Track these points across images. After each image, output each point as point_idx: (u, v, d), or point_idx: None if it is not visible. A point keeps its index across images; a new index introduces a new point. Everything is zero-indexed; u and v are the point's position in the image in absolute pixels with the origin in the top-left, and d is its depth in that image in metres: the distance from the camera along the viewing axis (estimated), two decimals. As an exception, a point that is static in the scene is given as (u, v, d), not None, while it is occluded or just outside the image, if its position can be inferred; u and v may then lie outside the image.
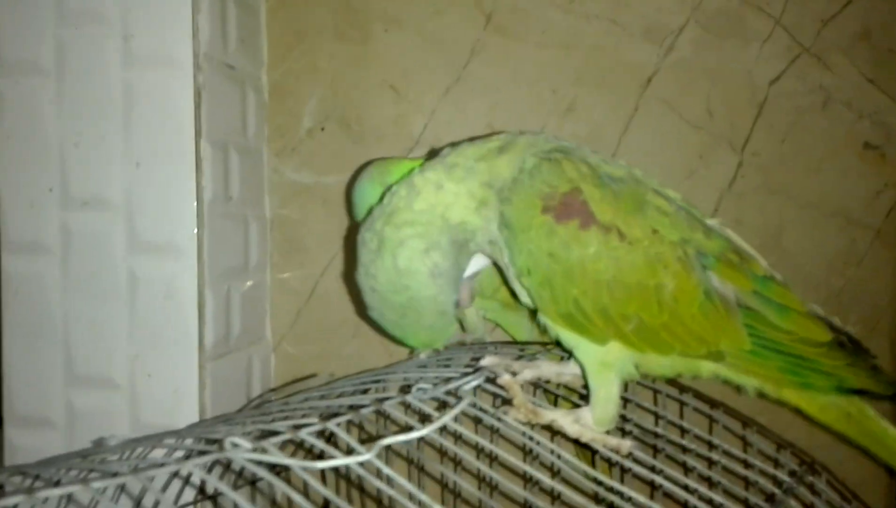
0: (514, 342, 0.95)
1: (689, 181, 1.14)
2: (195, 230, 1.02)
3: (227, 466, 0.91)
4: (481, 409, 0.62)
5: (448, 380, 0.68)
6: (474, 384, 0.64)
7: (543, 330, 0.74)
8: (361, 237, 0.75)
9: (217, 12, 1.06)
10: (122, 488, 0.74)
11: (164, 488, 0.80)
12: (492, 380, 0.69)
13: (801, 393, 0.74)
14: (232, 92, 1.12)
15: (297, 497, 0.49)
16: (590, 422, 0.70)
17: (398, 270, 0.71)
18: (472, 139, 0.76)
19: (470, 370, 0.71)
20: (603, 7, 1.14)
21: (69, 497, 0.67)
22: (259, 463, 0.53)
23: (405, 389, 0.66)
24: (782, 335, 0.70)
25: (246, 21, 1.14)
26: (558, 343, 0.75)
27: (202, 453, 0.53)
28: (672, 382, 0.79)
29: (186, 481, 0.83)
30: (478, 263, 0.78)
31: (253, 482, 0.98)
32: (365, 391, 0.75)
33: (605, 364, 0.71)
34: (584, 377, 0.73)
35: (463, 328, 1.02)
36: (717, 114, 1.13)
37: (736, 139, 1.13)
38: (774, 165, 1.12)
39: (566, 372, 0.77)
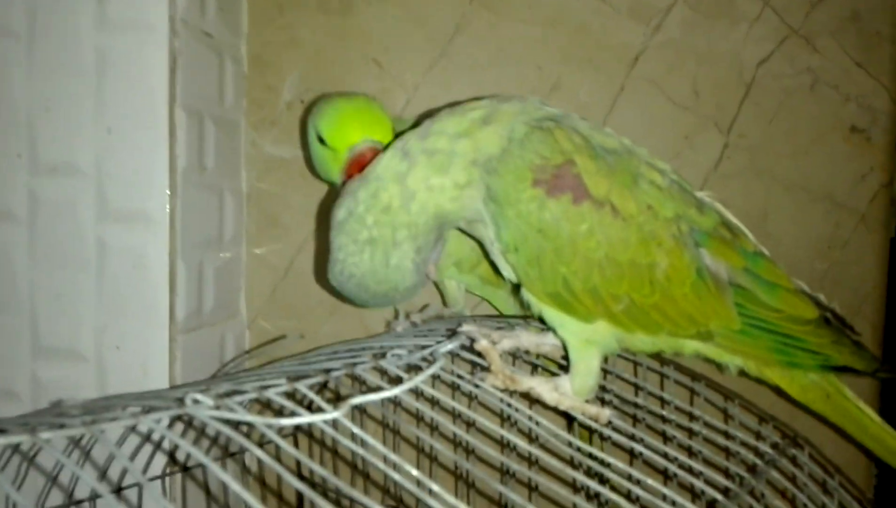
0: (495, 316, 0.93)
1: (675, 162, 1.11)
2: (167, 199, 0.99)
3: (201, 432, 0.89)
4: (458, 375, 0.60)
5: (424, 348, 0.66)
6: (449, 347, 0.61)
7: (526, 306, 0.72)
8: (343, 221, 0.69)
9: (195, -24, 1.03)
10: (86, 453, 0.71)
11: (133, 456, 0.77)
12: (469, 347, 0.67)
13: (783, 372, 0.72)
14: (209, 60, 1.09)
15: (265, 458, 0.47)
16: (569, 391, 0.68)
17: (388, 266, 0.68)
18: (452, 106, 0.73)
19: (447, 338, 0.69)
20: (590, -17, 1.12)
21: (27, 458, 0.64)
22: (222, 422, 0.50)
23: (380, 356, 0.64)
24: (771, 314, 0.68)
25: (224, -11, 1.12)
26: (541, 319, 0.72)
27: (162, 410, 0.50)
28: (653, 355, 0.78)
29: (157, 447, 0.80)
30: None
31: (228, 451, 0.96)
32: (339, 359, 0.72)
33: (589, 342, 0.69)
34: (565, 349, 0.71)
35: (444, 301, 1.00)
36: (704, 95, 1.11)
37: (722, 120, 1.11)
38: (760, 147, 1.11)
39: (546, 342, 0.75)
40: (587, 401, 0.67)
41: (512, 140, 0.65)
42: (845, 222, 1.10)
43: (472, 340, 0.68)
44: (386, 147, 0.73)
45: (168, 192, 0.99)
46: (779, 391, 0.76)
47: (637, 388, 0.74)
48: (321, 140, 0.84)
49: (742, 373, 0.75)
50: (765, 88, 1.10)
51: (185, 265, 1.02)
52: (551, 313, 0.69)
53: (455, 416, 0.90)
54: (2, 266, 1.02)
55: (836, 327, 0.72)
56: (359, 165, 0.78)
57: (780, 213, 1.11)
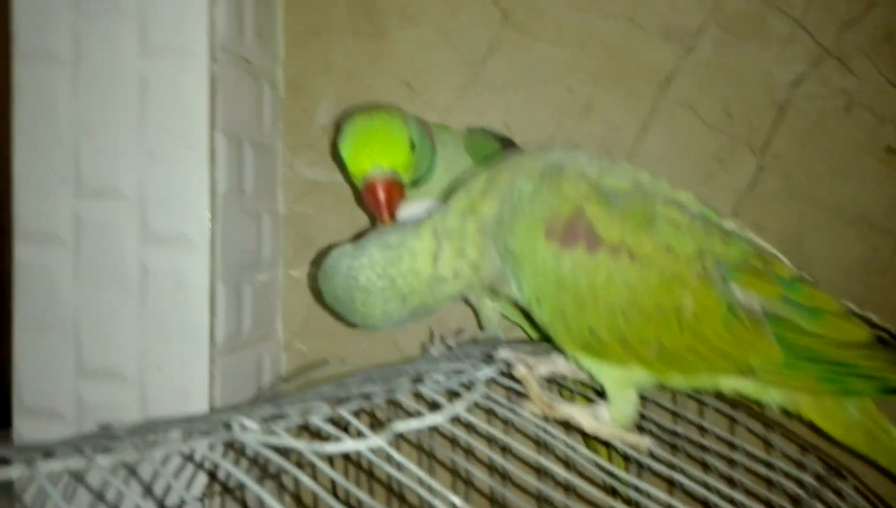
0: (530, 341, 0.93)
1: (708, 185, 1.12)
2: (208, 223, 1.01)
3: (241, 452, 0.90)
4: (495, 401, 0.61)
5: (461, 372, 0.67)
6: (488, 373, 0.62)
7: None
8: (366, 266, 0.69)
9: (234, 4, 1.05)
10: (132, 472, 0.73)
11: (175, 475, 0.78)
12: (506, 373, 0.68)
13: (827, 410, 0.69)
14: (247, 85, 1.11)
15: (307, 481, 0.48)
16: (607, 419, 0.68)
17: (398, 310, 0.70)
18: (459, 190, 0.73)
19: (483, 363, 0.70)
20: (620, 6, 1.13)
21: (77, 478, 0.66)
22: (268, 447, 0.52)
23: (418, 380, 0.65)
24: (817, 341, 0.65)
25: (262, 15, 1.14)
26: None
27: (208, 434, 0.52)
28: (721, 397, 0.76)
29: (199, 467, 0.82)
30: None
31: (267, 471, 0.97)
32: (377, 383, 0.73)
33: (626, 382, 0.69)
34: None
35: (479, 324, 1.00)
36: (737, 116, 1.11)
37: (756, 142, 1.11)
38: (795, 169, 1.10)
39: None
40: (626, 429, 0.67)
41: (522, 197, 0.65)
42: (883, 246, 1.09)
43: (509, 365, 0.68)
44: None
45: (209, 215, 1.01)
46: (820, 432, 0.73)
47: (676, 416, 0.74)
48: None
49: (784, 411, 0.72)
50: (798, 109, 1.10)
51: (224, 288, 1.04)
52: (585, 360, 0.68)
53: (491, 441, 0.90)
54: (47, 288, 1.05)
55: (893, 346, 0.67)
56: (373, 195, 0.81)
57: (816, 236, 1.10)
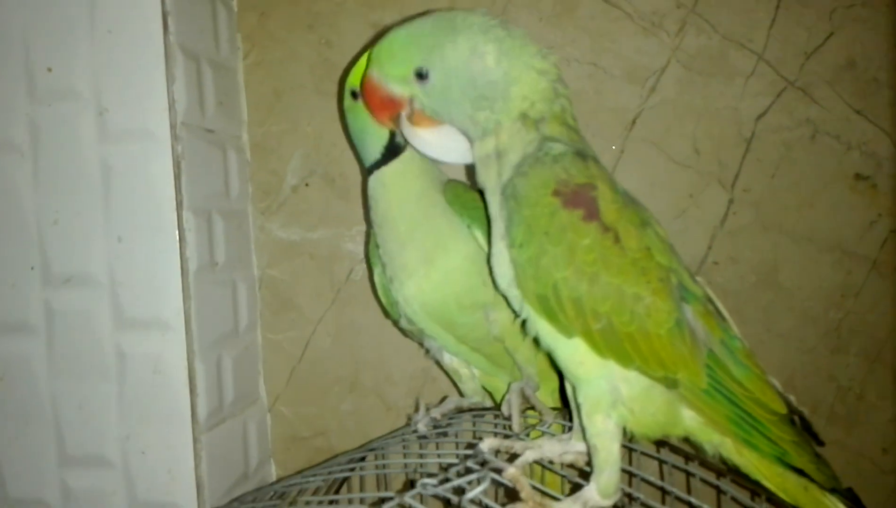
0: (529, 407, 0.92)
1: (681, 220, 1.13)
2: (181, 303, 1.00)
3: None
4: (486, 506, 0.61)
5: (449, 469, 0.66)
6: (478, 491, 0.61)
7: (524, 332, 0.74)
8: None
9: (193, 79, 1.04)
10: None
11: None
12: (496, 469, 0.67)
13: (758, 458, 0.73)
14: (212, 155, 1.10)
15: None
16: (597, 499, 0.68)
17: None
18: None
19: (470, 454, 0.70)
20: (583, 51, 1.12)
21: None
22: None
23: (408, 485, 0.64)
24: (738, 388, 0.70)
25: (223, 83, 1.13)
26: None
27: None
28: (676, 450, 0.77)
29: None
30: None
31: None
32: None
33: (588, 384, 0.70)
34: (581, 424, 0.71)
35: (460, 392, 1.00)
36: (705, 152, 1.12)
37: (725, 176, 1.12)
38: (766, 200, 1.11)
39: (569, 451, 0.75)
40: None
41: (548, 152, 0.69)
42: (857, 270, 1.10)
43: (499, 471, 0.67)
44: None
45: (182, 295, 1.00)
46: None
47: (664, 492, 0.74)
48: (354, 95, 0.86)
49: (722, 460, 0.75)
50: (765, 141, 1.10)
51: (203, 365, 1.03)
52: (542, 327, 0.71)
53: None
54: (23, 378, 1.04)
55: (799, 430, 0.72)
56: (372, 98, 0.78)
57: (791, 265, 1.11)
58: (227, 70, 1.15)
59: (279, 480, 1.10)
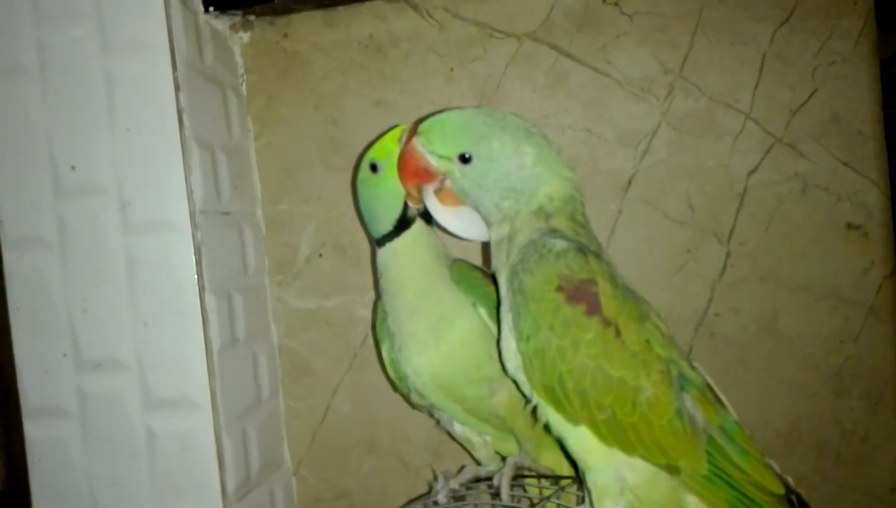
0: (529, 476, 0.97)
1: (681, 275, 1.17)
2: (207, 381, 1.05)
3: None
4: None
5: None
6: None
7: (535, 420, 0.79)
8: None
9: (209, 167, 1.10)
10: None
11: None
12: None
13: None
14: (230, 236, 1.16)
15: None
16: None
17: None
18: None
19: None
20: (576, 118, 1.17)
21: None
22: None
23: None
24: (738, 473, 0.73)
25: (237, 166, 1.19)
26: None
27: None
28: None
29: None
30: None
31: None
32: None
33: (596, 472, 0.74)
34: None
35: (474, 460, 1.04)
36: (700, 208, 1.16)
37: (721, 231, 1.16)
38: (761, 252, 1.15)
39: None
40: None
41: (551, 250, 0.74)
42: (854, 316, 1.13)
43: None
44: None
45: (206, 374, 1.05)
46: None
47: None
48: (374, 168, 0.92)
49: None
50: (757, 196, 1.15)
51: (230, 439, 1.08)
52: (551, 415, 0.76)
53: None
54: (58, 460, 1.09)
55: None
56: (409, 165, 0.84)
57: (789, 314, 1.15)
58: (240, 153, 1.21)
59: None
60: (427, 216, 0.92)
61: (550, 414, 0.75)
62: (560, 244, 0.74)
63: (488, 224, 0.82)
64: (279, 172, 1.24)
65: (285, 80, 1.23)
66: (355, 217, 1.23)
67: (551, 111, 1.18)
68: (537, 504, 0.84)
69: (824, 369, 1.15)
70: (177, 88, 1.03)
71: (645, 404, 0.71)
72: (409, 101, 1.21)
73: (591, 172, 1.17)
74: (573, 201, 0.80)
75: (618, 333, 0.71)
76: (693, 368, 0.78)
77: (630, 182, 1.17)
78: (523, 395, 0.80)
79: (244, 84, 1.24)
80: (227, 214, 1.15)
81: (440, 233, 0.95)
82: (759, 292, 1.15)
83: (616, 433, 0.72)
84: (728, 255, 1.16)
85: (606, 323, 0.71)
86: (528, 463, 0.94)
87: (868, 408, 1.14)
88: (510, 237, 0.78)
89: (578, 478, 0.86)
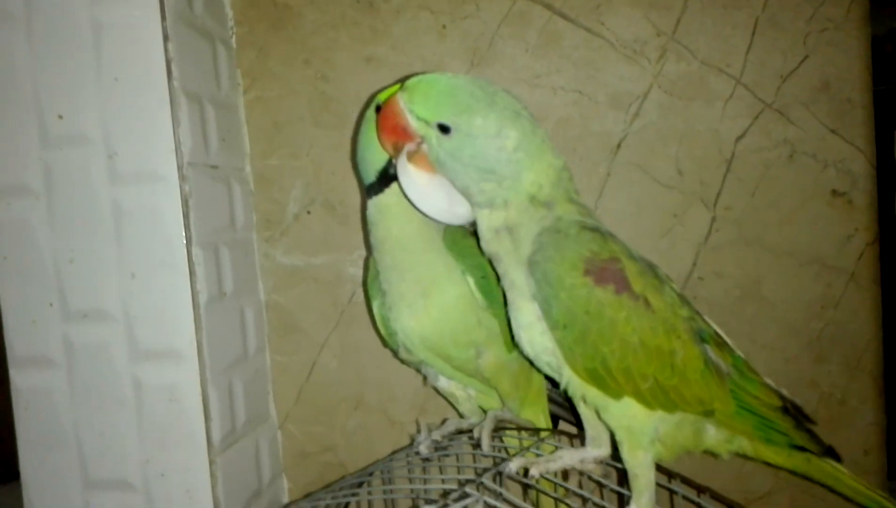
0: (512, 428, 0.98)
1: (667, 239, 1.18)
2: (193, 333, 1.06)
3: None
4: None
5: (448, 494, 0.72)
6: None
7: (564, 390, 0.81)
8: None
9: (197, 119, 1.09)
10: None
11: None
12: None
13: (770, 448, 0.86)
14: (218, 190, 1.15)
15: None
16: None
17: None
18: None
19: (469, 479, 0.76)
20: (568, 79, 1.17)
21: None
22: None
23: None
24: (753, 400, 0.81)
25: (225, 119, 1.18)
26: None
27: None
28: (688, 481, 0.86)
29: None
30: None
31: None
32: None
33: (634, 433, 0.78)
34: (622, 456, 0.80)
35: (458, 413, 1.06)
36: (688, 173, 1.17)
37: (708, 196, 1.17)
38: (747, 218, 1.16)
39: (586, 458, 0.84)
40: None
41: (567, 235, 0.75)
42: (836, 282, 1.15)
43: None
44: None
45: (193, 326, 1.06)
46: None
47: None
48: (378, 109, 0.86)
49: (738, 454, 0.87)
50: (745, 161, 1.15)
51: (216, 391, 1.09)
52: (591, 392, 0.78)
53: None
54: (46, 409, 1.09)
55: (794, 415, 0.84)
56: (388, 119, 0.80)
57: (773, 279, 1.16)
58: (229, 106, 1.20)
59: (290, 503, 1.16)
60: None
61: (590, 392, 0.77)
62: (574, 228, 0.75)
63: (470, 204, 0.80)
64: (268, 126, 1.24)
65: (275, 33, 1.22)
66: (345, 175, 1.23)
67: (543, 71, 1.18)
68: (515, 454, 0.86)
69: (805, 334, 1.17)
70: (165, 38, 1.02)
71: (681, 364, 0.76)
72: (401, 57, 1.20)
73: (582, 134, 1.18)
74: (562, 182, 0.79)
75: (647, 304, 0.74)
76: (704, 320, 0.83)
77: (619, 145, 1.17)
78: (532, 366, 0.82)
79: (233, 36, 1.23)
80: (214, 167, 1.14)
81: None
82: (744, 256, 1.17)
83: (659, 397, 0.76)
84: (714, 219, 1.17)
85: (636, 298, 0.74)
86: (508, 417, 0.96)
87: (846, 373, 1.16)
88: (509, 229, 0.77)
89: (557, 430, 0.89)
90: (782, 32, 1.14)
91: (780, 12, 1.14)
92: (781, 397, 0.84)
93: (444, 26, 1.18)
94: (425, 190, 0.80)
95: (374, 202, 0.92)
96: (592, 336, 0.73)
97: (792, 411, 0.84)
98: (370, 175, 0.91)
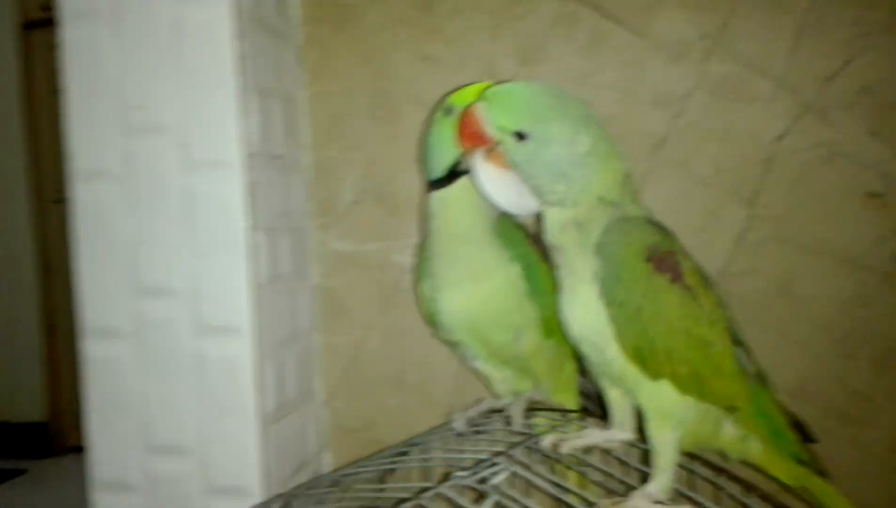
0: (543, 409, 1.05)
1: (703, 234, 1.22)
2: (251, 311, 1.13)
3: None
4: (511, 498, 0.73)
5: (480, 463, 0.79)
6: (501, 478, 0.75)
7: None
8: None
9: (264, 113, 1.17)
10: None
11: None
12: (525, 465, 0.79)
13: (777, 455, 0.91)
14: (279, 178, 1.23)
15: None
16: (658, 494, 0.81)
17: None
18: None
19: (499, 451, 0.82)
20: (614, 79, 1.22)
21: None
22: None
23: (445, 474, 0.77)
24: (769, 404, 0.88)
25: (289, 114, 1.26)
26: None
27: None
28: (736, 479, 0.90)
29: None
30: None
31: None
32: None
33: (663, 414, 0.84)
34: (648, 434, 0.85)
35: (494, 396, 1.12)
36: (727, 172, 1.21)
37: (745, 194, 1.20)
38: (783, 217, 1.19)
39: (612, 438, 0.90)
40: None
41: (634, 225, 0.82)
42: (868, 282, 1.18)
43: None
44: None
45: (251, 304, 1.13)
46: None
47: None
48: (448, 111, 0.95)
49: (744, 462, 0.92)
50: (783, 162, 1.19)
51: (270, 366, 1.17)
52: (632, 374, 0.84)
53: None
54: (114, 376, 1.18)
55: (800, 432, 0.91)
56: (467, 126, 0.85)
57: (806, 277, 1.19)
58: (292, 100, 1.28)
59: (334, 470, 1.23)
60: None
61: (629, 370, 0.83)
62: (640, 221, 0.83)
63: (539, 200, 0.85)
64: (328, 120, 1.31)
65: (338, 32, 1.29)
66: (396, 167, 1.30)
67: (589, 71, 1.23)
68: (544, 432, 0.92)
69: (836, 331, 1.20)
70: (239, 37, 1.10)
71: (717, 357, 0.82)
72: (454, 56, 1.26)
73: (625, 132, 1.22)
74: (627, 186, 0.86)
75: (695, 297, 0.81)
76: (734, 324, 0.89)
77: (662, 143, 1.22)
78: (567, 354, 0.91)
79: (300, 35, 1.30)
80: (278, 157, 1.22)
81: None
82: (778, 254, 1.20)
83: (693, 384, 0.82)
84: (750, 218, 1.21)
85: (687, 289, 0.81)
86: (539, 398, 1.02)
87: (874, 371, 1.19)
88: (578, 224, 0.83)
89: (586, 413, 0.95)
90: (826, 36, 1.17)
91: (824, 17, 1.17)
92: (790, 413, 0.90)
93: (496, 26, 1.24)
94: (499, 185, 0.86)
95: (438, 196, 0.99)
96: (644, 316, 0.80)
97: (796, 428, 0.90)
98: (437, 172, 0.99)
